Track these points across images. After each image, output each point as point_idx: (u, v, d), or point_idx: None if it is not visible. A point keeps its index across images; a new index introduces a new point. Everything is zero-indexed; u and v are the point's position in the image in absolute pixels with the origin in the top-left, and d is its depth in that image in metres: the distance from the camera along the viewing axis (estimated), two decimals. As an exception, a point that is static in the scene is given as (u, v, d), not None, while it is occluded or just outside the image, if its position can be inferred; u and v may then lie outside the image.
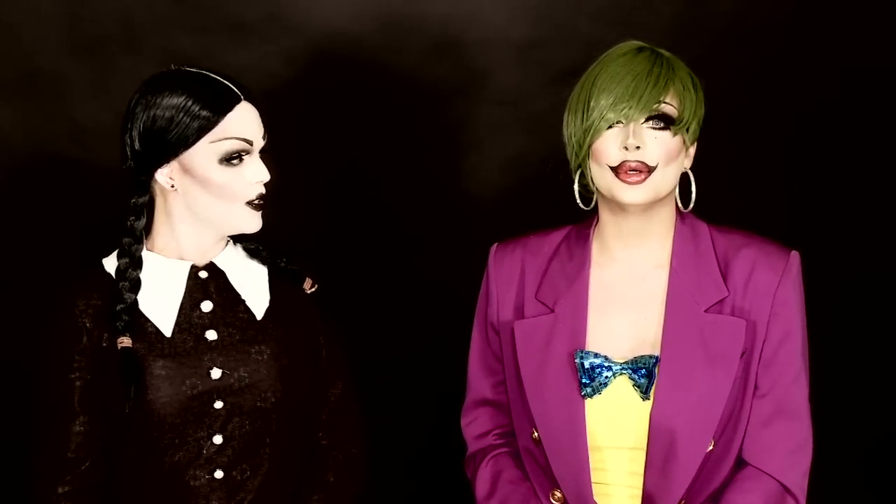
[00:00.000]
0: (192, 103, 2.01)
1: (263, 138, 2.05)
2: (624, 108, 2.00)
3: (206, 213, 2.06)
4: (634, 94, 2.00)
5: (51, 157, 2.84)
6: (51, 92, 2.82)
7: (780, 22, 2.90)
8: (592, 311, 2.10)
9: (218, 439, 2.03)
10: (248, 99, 2.05)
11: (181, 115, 2.02)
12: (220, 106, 2.02)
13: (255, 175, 2.04)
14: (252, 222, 2.06)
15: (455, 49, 2.87)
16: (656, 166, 2.01)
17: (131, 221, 2.08)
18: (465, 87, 2.89)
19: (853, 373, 2.98)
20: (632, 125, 2.00)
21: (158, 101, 2.03)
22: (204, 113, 2.01)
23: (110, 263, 2.10)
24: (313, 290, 2.15)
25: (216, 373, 2.04)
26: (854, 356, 3.00)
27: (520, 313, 2.15)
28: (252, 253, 2.16)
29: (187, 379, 2.02)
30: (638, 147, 1.99)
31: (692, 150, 2.09)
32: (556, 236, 2.19)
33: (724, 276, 2.07)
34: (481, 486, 2.19)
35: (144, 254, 2.10)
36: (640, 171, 2.00)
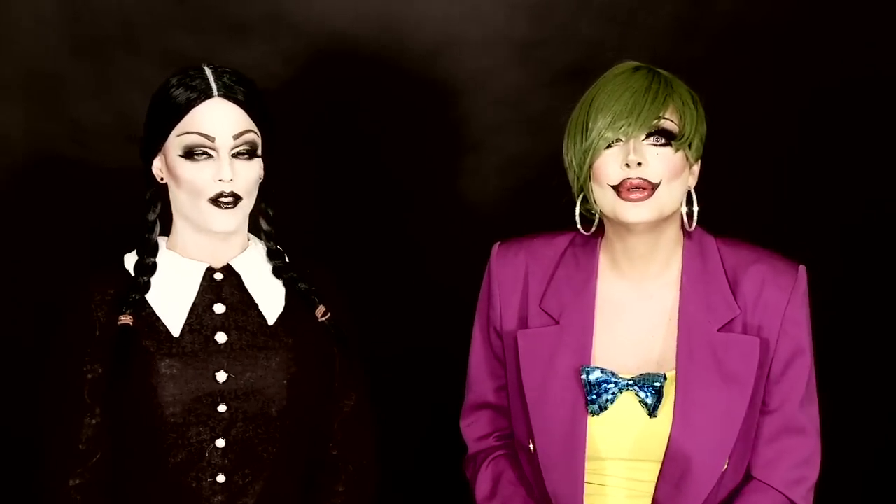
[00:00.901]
0: (169, 96, 2.04)
1: (236, 138, 2.02)
2: (623, 125, 1.98)
3: (182, 209, 2.07)
4: (633, 111, 1.98)
5: (51, 157, 2.84)
6: (51, 92, 2.82)
7: (779, 22, 2.89)
8: (598, 325, 2.08)
9: (221, 443, 2.03)
10: (228, 97, 2.03)
11: (160, 107, 2.05)
12: (189, 100, 2.02)
13: (215, 173, 2.01)
14: (217, 220, 2.03)
15: (455, 49, 2.87)
16: (660, 183, 1.99)
17: (144, 212, 2.11)
18: (465, 87, 2.89)
19: (853, 383, 2.98)
20: (632, 142, 1.98)
21: (156, 94, 2.07)
22: (172, 107, 2.03)
23: (130, 260, 2.11)
24: (325, 318, 2.13)
25: (222, 376, 2.04)
26: (854, 365, 2.99)
27: (524, 322, 2.12)
28: (276, 272, 2.14)
29: (192, 380, 2.02)
30: (640, 164, 1.97)
31: (696, 168, 2.06)
32: (562, 241, 2.16)
33: (734, 293, 2.06)
34: (482, 487, 2.18)
35: (163, 252, 2.11)
36: (643, 189, 1.98)
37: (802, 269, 2.09)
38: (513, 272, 2.16)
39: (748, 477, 2.07)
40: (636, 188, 1.98)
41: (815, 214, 2.95)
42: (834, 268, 2.80)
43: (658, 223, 2.03)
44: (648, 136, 1.99)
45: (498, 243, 2.21)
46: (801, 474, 2.06)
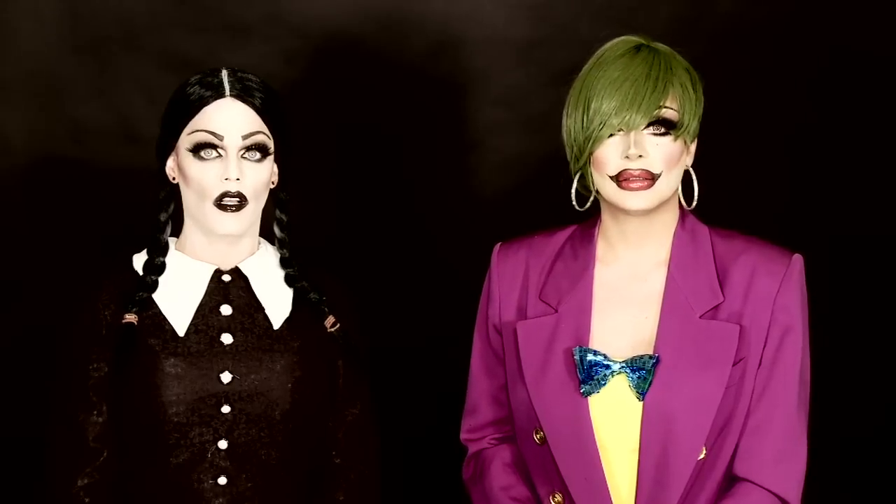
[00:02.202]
0: (183, 95, 2.05)
1: (245, 138, 2.02)
2: (625, 115, 1.98)
3: (190, 210, 2.07)
4: (634, 101, 1.98)
5: (51, 157, 2.84)
6: (51, 92, 2.83)
7: (780, 22, 2.90)
8: (596, 309, 2.08)
9: (223, 444, 2.03)
10: (240, 98, 2.03)
11: (175, 105, 2.06)
12: (201, 98, 2.03)
13: (222, 172, 2.01)
14: (220, 223, 2.03)
15: (455, 49, 2.87)
16: (660, 174, 2.00)
17: (155, 213, 2.11)
18: (465, 87, 2.89)
19: (853, 376, 2.98)
20: (633, 133, 1.99)
21: (173, 93, 2.08)
22: (185, 105, 2.03)
23: (139, 260, 2.12)
24: (334, 329, 2.13)
25: (226, 377, 2.03)
26: (854, 359, 2.99)
27: (523, 314, 2.12)
28: (288, 280, 2.14)
29: (197, 380, 2.02)
30: (640, 156, 1.98)
31: (693, 147, 2.07)
32: (561, 236, 2.17)
33: (722, 283, 2.05)
34: (496, 477, 2.16)
35: (172, 253, 2.11)
36: (644, 179, 1.99)
37: (797, 257, 2.07)
38: (512, 268, 2.16)
39: (735, 478, 2.04)
40: (636, 178, 1.99)
41: (816, 213, 2.95)
42: (833, 259, 2.80)
43: (660, 205, 2.04)
44: (649, 125, 2.00)
45: (499, 244, 2.21)
46: (791, 469, 2.04)
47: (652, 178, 2.00)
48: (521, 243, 2.19)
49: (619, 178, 2.00)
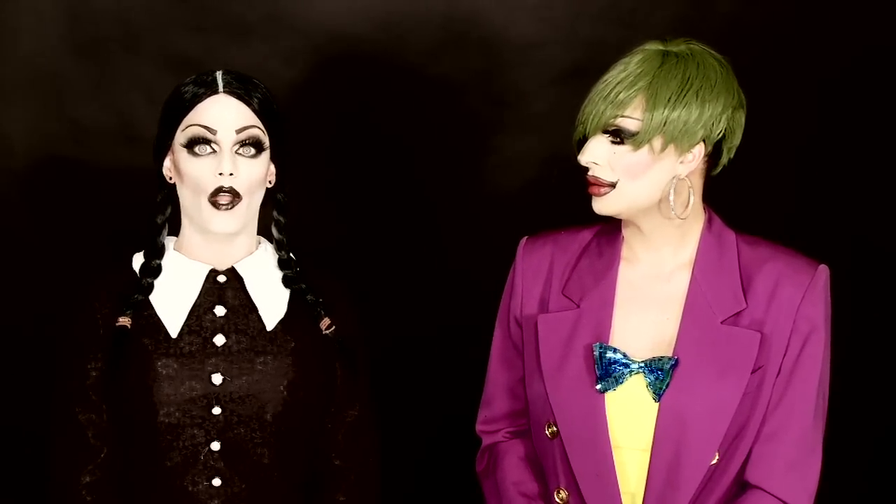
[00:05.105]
0: (178, 94, 2.06)
1: (239, 132, 2.02)
2: (584, 121, 2.00)
3: (186, 208, 2.07)
4: (595, 106, 1.98)
5: (51, 157, 2.84)
6: (51, 92, 2.83)
7: (779, 22, 2.90)
8: (618, 308, 2.08)
9: (216, 446, 2.03)
10: (232, 94, 2.04)
11: (170, 105, 2.07)
12: (195, 96, 2.04)
13: (216, 167, 2.01)
14: (215, 221, 2.03)
15: (455, 49, 2.87)
16: (616, 182, 1.99)
17: (153, 214, 2.12)
18: (464, 88, 2.89)
19: (868, 381, 2.97)
20: (590, 140, 2.00)
21: (169, 94, 2.09)
22: (180, 103, 2.05)
23: (138, 260, 2.12)
24: (329, 331, 2.13)
25: (217, 378, 2.03)
26: (870, 364, 2.99)
27: (544, 307, 2.12)
28: (286, 282, 2.14)
29: (188, 381, 2.02)
30: (596, 163, 1.99)
31: (690, 157, 2.01)
32: (587, 234, 2.17)
33: (745, 289, 2.04)
34: (508, 471, 2.17)
35: (170, 252, 2.11)
36: (600, 185, 2.00)
37: (823, 267, 2.06)
38: (537, 262, 2.16)
39: (745, 485, 2.04)
40: (592, 185, 2.01)
41: (820, 213, 2.95)
42: (836, 262, 2.80)
43: (648, 212, 2.03)
44: (605, 132, 1.99)
45: (525, 237, 2.21)
46: (803, 478, 2.03)
47: (608, 185, 2.00)
48: (546, 238, 2.19)
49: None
